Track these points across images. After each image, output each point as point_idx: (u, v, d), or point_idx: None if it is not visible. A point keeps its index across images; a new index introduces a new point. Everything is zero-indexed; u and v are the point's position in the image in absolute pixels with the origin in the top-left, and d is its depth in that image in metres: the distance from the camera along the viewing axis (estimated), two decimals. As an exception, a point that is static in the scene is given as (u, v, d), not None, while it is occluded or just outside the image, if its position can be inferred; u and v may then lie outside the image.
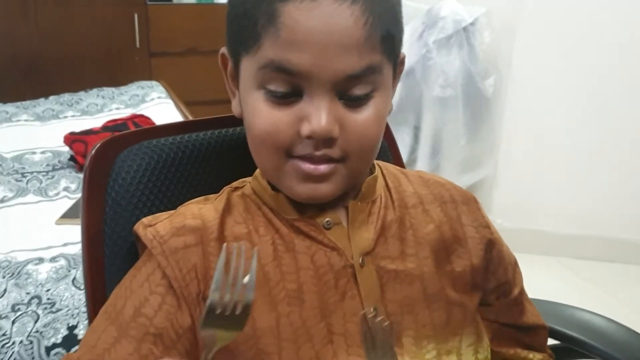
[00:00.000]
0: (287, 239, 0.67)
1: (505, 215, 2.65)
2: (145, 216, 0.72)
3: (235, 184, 0.73)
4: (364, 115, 0.62)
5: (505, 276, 0.79)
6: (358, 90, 0.61)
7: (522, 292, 0.81)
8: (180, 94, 2.80)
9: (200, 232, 0.65)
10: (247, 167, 0.80)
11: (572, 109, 2.50)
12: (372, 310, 0.66)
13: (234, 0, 0.66)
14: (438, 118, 2.48)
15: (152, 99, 2.62)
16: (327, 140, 0.61)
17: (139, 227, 0.67)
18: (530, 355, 0.80)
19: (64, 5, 3.00)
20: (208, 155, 0.79)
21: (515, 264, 0.81)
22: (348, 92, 0.61)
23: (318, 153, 0.62)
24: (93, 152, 0.73)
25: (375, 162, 0.75)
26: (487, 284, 0.76)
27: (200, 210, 0.68)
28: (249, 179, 0.73)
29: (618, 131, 2.48)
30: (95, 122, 2.36)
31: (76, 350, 0.64)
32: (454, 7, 2.40)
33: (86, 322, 0.82)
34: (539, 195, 2.63)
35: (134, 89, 2.77)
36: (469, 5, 2.45)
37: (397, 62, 0.68)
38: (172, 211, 0.69)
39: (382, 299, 0.67)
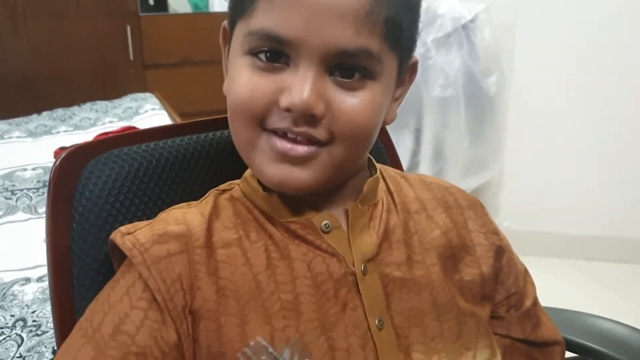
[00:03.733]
0: (281, 245, 0.61)
1: (512, 218, 2.58)
2: (116, 232, 0.66)
3: (222, 186, 0.67)
4: (356, 100, 0.57)
5: (516, 286, 0.72)
6: (351, 71, 0.56)
7: (535, 303, 0.75)
8: (175, 105, 2.75)
9: (184, 238, 0.59)
10: (228, 174, 0.73)
11: (579, 106, 2.44)
12: (377, 322, 0.60)
13: None
14: (439, 120, 2.42)
15: (146, 111, 2.57)
16: (308, 117, 0.55)
17: (116, 236, 0.60)
18: None
19: (55, 19, 2.95)
20: (184, 163, 0.72)
21: (525, 273, 0.75)
22: (340, 69, 0.56)
23: (297, 129, 0.55)
24: (57, 163, 0.67)
25: (378, 165, 0.70)
26: (496, 294, 0.70)
27: (184, 215, 0.62)
28: (237, 181, 0.67)
29: (628, 127, 2.42)
30: (88, 136, 2.31)
31: None
32: (452, 4, 2.34)
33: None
34: (547, 196, 2.57)
35: (128, 101, 2.73)
36: (468, 2, 2.39)
37: (404, 60, 0.62)
38: (151, 220, 0.63)
39: (387, 310, 0.61)
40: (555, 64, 2.42)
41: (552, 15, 2.37)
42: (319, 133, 0.56)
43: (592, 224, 2.55)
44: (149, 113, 2.55)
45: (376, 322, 0.60)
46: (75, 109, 2.68)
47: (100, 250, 0.66)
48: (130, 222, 0.66)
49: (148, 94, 2.79)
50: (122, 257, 0.60)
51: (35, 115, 2.63)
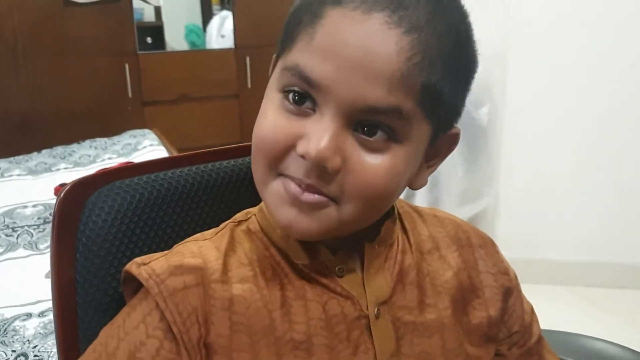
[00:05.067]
0: (297, 285, 0.60)
1: (509, 246, 2.56)
2: (119, 263, 0.67)
3: (238, 216, 0.67)
4: (375, 161, 0.54)
5: (520, 325, 0.72)
6: (375, 128, 0.54)
7: (540, 341, 0.75)
8: (173, 140, 2.78)
9: (201, 271, 0.59)
10: (228, 204, 0.75)
11: (572, 133, 2.47)
12: None
13: None
14: (434, 150, 2.44)
15: (145, 147, 2.60)
16: (321, 170, 0.53)
17: (131, 266, 0.60)
18: None
19: (55, 58, 3.01)
20: (183, 194, 0.73)
21: (532, 313, 0.75)
22: (364, 126, 0.54)
23: (307, 181, 0.54)
24: (61, 196, 0.69)
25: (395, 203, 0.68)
26: (499, 333, 0.71)
27: (200, 249, 0.62)
28: (253, 209, 0.67)
29: (620, 154, 2.45)
30: (88, 173, 2.32)
31: None
32: (443, 38, 2.39)
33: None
34: (543, 223, 2.58)
35: (127, 138, 2.76)
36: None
37: (440, 129, 0.59)
38: (166, 251, 0.63)
39: (397, 353, 0.61)
40: (547, 93, 2.45)
41: (543, 45, 2.41)
42: (330, 189, 0.55)
43: (589, 250, 2.56)
44: (148, 149, 2.58)
45: None
46: (74, 146, 2.71)
47: (103, 280, 0.67)
48: (133, 252, 0.68)
49: (146, 130, 2.83)
50: (134, 288, 0.61)
51: (35, 154, 2.67)
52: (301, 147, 0.54)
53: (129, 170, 0.73)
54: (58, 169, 2.49)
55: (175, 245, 0.64)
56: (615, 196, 2.49)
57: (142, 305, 0.58)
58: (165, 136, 2.80)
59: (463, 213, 2.51)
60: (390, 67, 0.52)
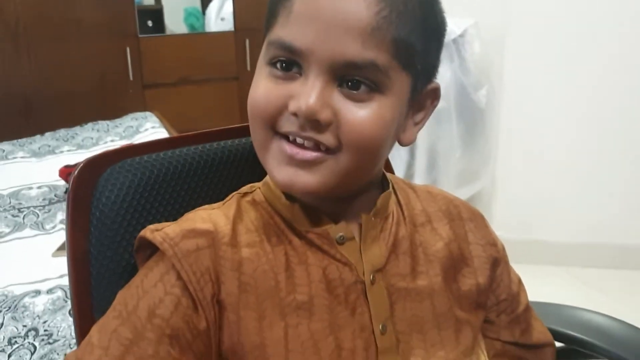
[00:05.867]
0: (300, 251, 0.65)
1: (505, 227, 2.61)
2: (131, 235, 0.71)
3: (244, 189, 0.72)
4: (363, 111, 0.59)
5: (508, 294, 0.77)
6: (358, 83, 0.59)
7: (528, 310, 0.79)
8: (174, 123, 2.81)
9: (211, 235, 0.63)
10: (237, 181, 0.79)
11: (568, 115, 2.50)
12: (380, 327, 0.65)
13: None
14: (433, 131, 2.48)
15: (146, 129, 2.64)
16: (313, 122, 0.59)
17: (146, 232, 0.65)
18: None
19: (57, 42, 3.02)
20: (190, 171, 0.77)
21: (519, 283, 0.80)
22: (348, 81, 0.59)
23: (304, 134, 0.60)
24: (76, 172, 0.73)
25: (388, 175, 0.74)
26: (488, 301, 0.75)
27: (210, 216, 0.66)
28: (258, 184, 0.72)
29: (615, 136, 2.48)
30: (91, 155, 2.36)
31: (78, 351, 0.60)
32: (442, 21, 2.42)
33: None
34: (539, 204, 2.62)
35: (128, 120, 2.79)
36: (457, 17, 2.46)
37: (420, 83, 0.65)
38: (177, 220, 0.67)
39: (391, 316, 0.66)
40: (544, 76, 2.48)
41: (540, 29, 2.44)
42: (326, 139, 0.59)
43: (584, 232, 2.60)
44: (149, 131, 2.61)
45: (380, 327, 0.65)
46: (77, 129, 2.74)
47: (116, 252, 0.72)
48: (143, 225, 0.71)
49: (148, 113, 2.85)
50: (147, 255, 0.65)
51: (38, 136, 2.70)
52: (292, 105, 0.59)
53: (138, 148, 0.77)
54: (61, 152, 2.52)
55: (185, 214, 0.68)
56: (611, 179, 2.52)
57: (158, 267, 0.62)
58: (166, 119, 2.83)
59: (460, 194, 2.53)
60: (361, 22, 0.57)
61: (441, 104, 2.45)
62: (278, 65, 0.61)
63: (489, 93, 2.49)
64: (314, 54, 0.58)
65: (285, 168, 0.62)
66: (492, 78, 2.52)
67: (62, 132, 2.72)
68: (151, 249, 0.65)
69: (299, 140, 0.61)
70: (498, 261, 0.76)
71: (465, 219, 0.77)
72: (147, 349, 0.58)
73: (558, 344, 0.88)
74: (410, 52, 0.60)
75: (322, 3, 0.58)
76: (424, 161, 2.59)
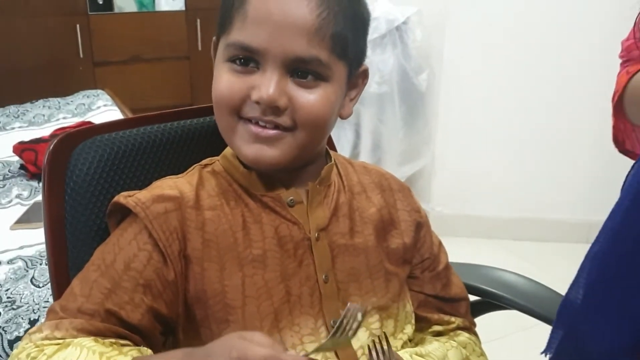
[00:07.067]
0: (255, 212, 0.77)
1: (444, 203, 2.79)
2: (102, 204, 0.81)
3: (204, 161, 0.83)
4: (312, 96, 0.72)
5: (430, 253, 0.90)
6: (306, 74, 0.71)
7: (447, 268, 0.92)
8: (125, 101, 2.84)
9: (178, 200, 0.74)
10: (197, 155, 0.89)
11: (501, 100, 2.66)
12: (324, 277, 0.77)
13: None
14: (376, 114, 2.61)
15: (99, 107, 2.67)
16: (274, 109, 0.71)
17: (119, 198, 0.75)
18: (453, 319, 0.90)
19: (5, 17, 3.00)
20: (157, 147, 0.87)
21: (440, 245, 0.93)
22: (298, 72, 0.71)
23: (265, 118, 0.71)
24: (51, 147, 0.81)
25: (331, 152, 0.86)
26: (413, 259, 0.88)
27: (176, 183, 0.77)
28: (215, 158, 0.83)
29: (544, 120, 2.65)
30: (43, 132, 2.39)
31: (62, 301, 0.70)
32: (387, 7, 2.54)
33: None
34: (475, 182, 2.78)
35: (80, 98, 2.81)
36: (401, 5, 2.58)
37: (353, 67, 0.77)
38: (146, 187, 0.78)
39: (332, 268, 0.79)
40: (481, 61, 2.63)
41: (478, 17, 2.58)
42: (284, 120, 0.72)
43: (516, 207, 2.78)
44: (102, 109, 2.65)
45: (323, 276, 0.78)
46: (28, 105, 2.75)
47: (89, 218, 0.81)
48: (113, 195, 0.80)
49: (100, 91, 2.88)
50: (119, 220, 0.76)
51: (-13, 113, 2.69)
52: (255, 95, 0.71)
53: (108, 126, 0.87)
54: (13, 128, 2.53)
55: (153, 182, 0.79)
56: (540, 157, 2.71)
57: (132, 227, 0.73)
58: (118, 96, 2.86)
59: (403, 172, 2.70)
60: (306, 24, 0.69)
61: (384, 88, 2.58)
62: (237, 62, 0.72)
63: (430, 77, 2.64)
64: (269, 52, 0.70)
65: (252, 145, 0.73)
66: (432, 63, 2.66)
67: (12, 109, 2.72)
68: (122, 214, 0.76)
69: (261, 123, 0.72)
70: (422, 225, 0.90)
71: (395, 189, 0.90)
72: (124, 297, 0.69)
73: (475, 298, 1.02)
74: (344, 43, 0.73)
75: (272, 9, 0.69)
76: (369, 142, 2.72)
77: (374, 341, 0.76)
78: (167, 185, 0.77)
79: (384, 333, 0.79)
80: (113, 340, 0.68)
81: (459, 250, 1.13)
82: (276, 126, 0.72)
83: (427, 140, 2.75)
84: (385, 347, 0.75)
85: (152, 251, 0.71)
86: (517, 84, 2.63)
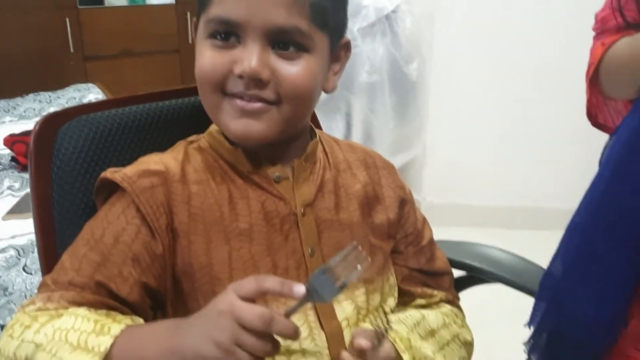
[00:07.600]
0: (241, 188, 0.78)
1: (435, 192, 2.81)
2: (88, 182, 0.82)
3: (190, 138, 0.83)
4: (295, 67, 0.72)
5: (414, 229, 0.91)
6: (288, 45, 0.71)
7: (431, 243, 0.94)
8: (116, 95, 2.83)
9: (164, 175, 0.75)
10: (180, 134, 0.90)
11: (492, 89, 2.68)
12: (309, 250, 0.78)
13: None
14: (367, 104, 2.61)
15: (90, 101, 2.67)
16: (257, 81, 0.71)
17: (106, 173, 0.75)
18: (436, 292, 0.91)
19: (-6, 13, 3.00)
20: (139, 127, 0.88)
21: (424, 221, 0.95)
22: (279, 44, 0.71)
23: (249, 92, 0.72)
24: (37, 127, 0.82)
25: (317, 130, 0.87)
26: (397, 234, 0.89)
27: (161, 158, 0.78)
28: (202, 135, 0.83)
29: (534, 109, 2.67)
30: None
31: (53, 274, 0.71)
32: (376, -3, 2.54)
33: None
34: (466, 171, 2.81)
35: (71, 92, 2.82)
36: (390, -6, 2.59)
37: (335, 39, 0.78)
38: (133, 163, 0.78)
39: (318, 242, 0.80)
40: (471, 50, 2.65)
41: (467, 6, 2.60)
42: (267, 94, 0.72)
43: (505, 196, 2.80)
44: (93, 102, 2.65)
45: (309, 250, 0.79)
46: (18, 99, 2.76)
47: (76, 196, 0.82)
48: (99, 173, 0.81)
49: (90, 84, 2.88)
50: (106, 196, 0.76)
51: (-23, 106, 2.69)
52: (238, 69, 0.71)
53: (92, 106, 0.88)
54: (3, 122, 2.54)
55: (139, 158, 0.79)
56: (529, 148, 2.73)
57: (120, 202, 0.74)
58: (109, 90, 2.87)
59: (394, 162, 2.67)
60: None
61: (374, 77, 2.58)
62: (218, 37, 0.72)
63: (420, 66, 2.64)
64: (250, 24, 0.70)
65: (239, 121, 0.73)
66: (422, 52, 2.67)
67: (2, 103, 2.73)
68: (109, 190, 0.76)
69: (245, 97, 0.73)
70: (405, 201, 0.91)
71: (380, 167, 0.91)
72: (113, 270, 0.70)
73: (459, 272, 1.04)
74: (324, 13, 0.73)
75: None
76: (360, 132, 2.72)
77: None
78: (153, 161, 0.77)
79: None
80: (104, 311, 0.69)
81: (451, 240, 1.13)
82: (260, 100, 0.73)
83: (418, 131, 2.76)
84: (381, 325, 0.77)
85: (140, 225, 0.72)
86: (507, 73, 2.65)
